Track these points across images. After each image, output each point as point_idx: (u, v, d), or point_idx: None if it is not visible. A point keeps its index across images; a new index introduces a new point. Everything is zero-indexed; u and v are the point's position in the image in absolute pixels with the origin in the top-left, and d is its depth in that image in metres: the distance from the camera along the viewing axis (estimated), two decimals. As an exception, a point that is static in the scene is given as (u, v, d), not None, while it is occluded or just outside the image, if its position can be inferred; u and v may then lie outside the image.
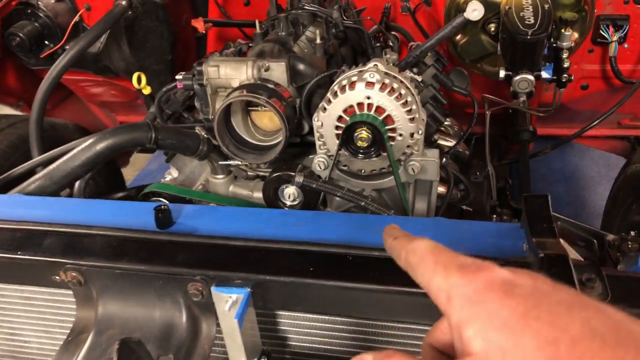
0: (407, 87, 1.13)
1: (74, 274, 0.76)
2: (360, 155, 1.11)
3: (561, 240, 0.75)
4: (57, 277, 0.78)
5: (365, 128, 1.09)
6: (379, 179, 1.20)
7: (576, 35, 1.46)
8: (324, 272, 0.70)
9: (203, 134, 1.24)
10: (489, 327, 0.37)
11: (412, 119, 1.10)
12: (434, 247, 0.46)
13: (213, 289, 0.73)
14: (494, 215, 1.77)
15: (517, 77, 1.23)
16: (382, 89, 1.07)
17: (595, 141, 2.43)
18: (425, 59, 1.57)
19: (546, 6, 1.24)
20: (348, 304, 0.71)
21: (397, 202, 1.21)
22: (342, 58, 1.56)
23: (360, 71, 1.13)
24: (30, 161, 1.20)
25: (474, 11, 1.38)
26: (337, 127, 1.12)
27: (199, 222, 0.88)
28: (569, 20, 1.35)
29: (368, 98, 1.08)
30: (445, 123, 1.88)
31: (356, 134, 1.10)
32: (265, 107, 1.13)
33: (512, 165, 2.68)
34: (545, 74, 1.26)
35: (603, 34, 1.63)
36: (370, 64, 1.15)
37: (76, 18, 1.97)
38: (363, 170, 1.18)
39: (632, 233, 1.78)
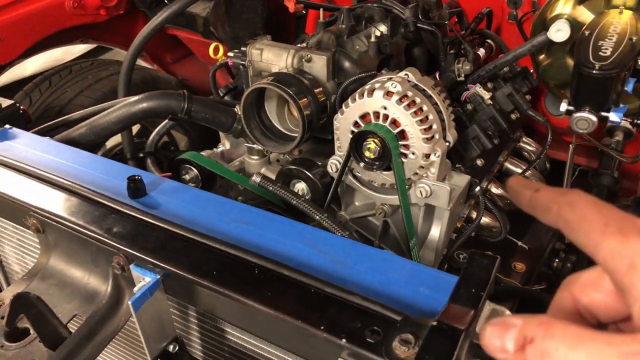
0: (436, 104, 1.04)
1: (34, 220, 0.84)
2: (363, 165, 1.05)
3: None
4: (26, 220, 0.86)
5: (375, 139, 1.03)
6: (389, 194, 1.13)
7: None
8: (222, 278, 0.69)
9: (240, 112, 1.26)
10: None
11: (428, 139, 1.01)
12: (596, 203, 0.41)
13: (132, 267, 0.75)
14: (556, 259, 1.59)
15: (577, 115, 1.07)
16: (400, 101, 1.00)
17: None
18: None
19: (634, 38, 1.05)
20: (238, 316, 0.70)
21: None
22: (413, 60, 1.48)
23: (390, 78, 1.06)
24: (86, 109, 1.32)
25: (558, 31, 1.22)
26: (352, 132, 1.07)
27: (168, 199, 0.90)
28: (670, 56, 1.13)
29: (384, 108, 1.02)
30: (529, 148, 1.72)
31: (366, 143, 1.04)
32: (288, 100, 1.12)
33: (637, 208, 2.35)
34: (614, 117, 1.07)
35: None
36: (402, 73, 1.07)
37: (194, -19, 2.08)
38: (375, 182, 1.12)
39: None
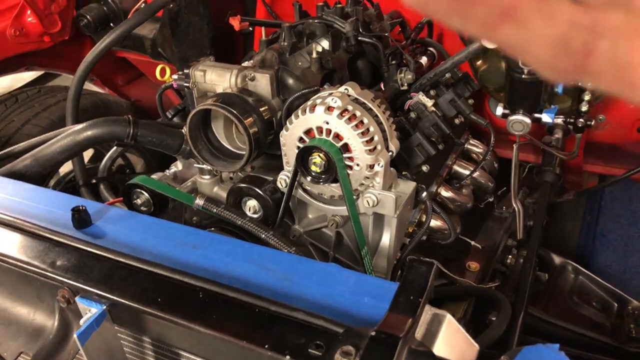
0: (376, 116, 1.07)
1: (-26, 258, 0.82)
2: (310, 179, 1.07)
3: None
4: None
5: (320, 153, 1.05)
6: (339, 206, 1.15)
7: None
8: (167, 304, 0.69)
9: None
10: None
11: (371, 150, 1.04)
12: None
13: (77, 299, 0.75)
14: (509, 256, 1.64)
15: (512, 118, 1.11)
16: (341, 115, 1.03)
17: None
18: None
19: (559, 42, 1.10)
20: (186, 341, 0.70)
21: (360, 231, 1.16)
22: (357, 73, 1.52)
23: (330, 94, 1.08)
24: (31, 140, 1.30)
25: (491, 38, 1.26)
26: (298, 148, 1.09)
27: (114, 227, 0.90)
28: (595, 58, 1.18)
29: (327, 123, 1.04)
30: (477, 149, 1.77)
31: (311, 158, 1.06)
32: (233, 120, 1.13)
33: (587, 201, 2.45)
34: (546, 117, 1.12)
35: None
36: (342, 88, 1.10)
37: (139, 5, 2.08)
38: (324, 195, 1.14)
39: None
